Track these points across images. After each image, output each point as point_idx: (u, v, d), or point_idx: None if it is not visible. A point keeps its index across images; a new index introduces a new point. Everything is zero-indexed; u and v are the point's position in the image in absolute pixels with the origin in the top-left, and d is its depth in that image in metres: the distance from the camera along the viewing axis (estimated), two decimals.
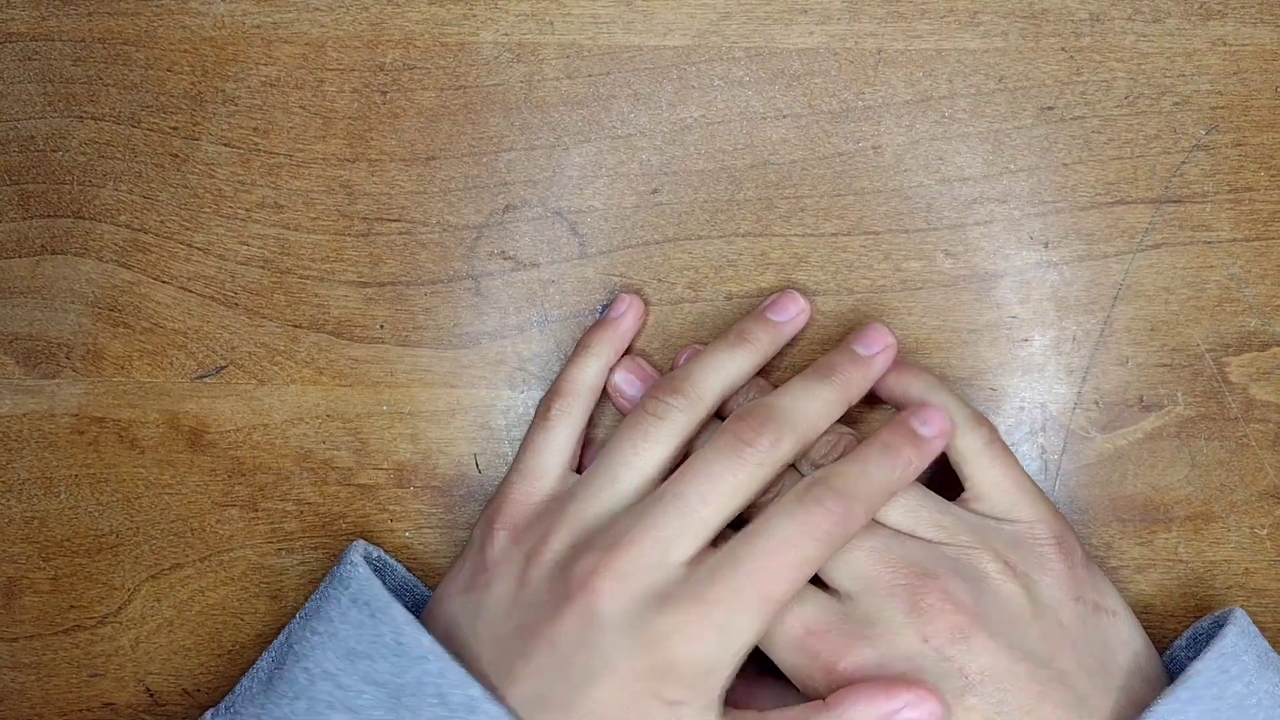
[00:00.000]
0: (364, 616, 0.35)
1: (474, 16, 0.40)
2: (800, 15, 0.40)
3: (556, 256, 0.40)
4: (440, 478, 0.40)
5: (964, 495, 0.37)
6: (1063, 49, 0.39)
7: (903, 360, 0.39)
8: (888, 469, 0.34)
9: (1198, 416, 0.40)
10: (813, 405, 0.35)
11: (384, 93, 0.40)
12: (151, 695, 0.41)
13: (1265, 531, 0.40)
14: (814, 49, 0.40)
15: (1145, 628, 0.36)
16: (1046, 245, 0.40)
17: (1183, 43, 0.39)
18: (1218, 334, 0.40)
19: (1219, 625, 0.36)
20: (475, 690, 0.32)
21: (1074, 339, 0.40)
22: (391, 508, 0.41)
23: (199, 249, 0.41)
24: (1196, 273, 0.40)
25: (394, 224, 0.40)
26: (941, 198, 0.40)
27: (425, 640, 0.33)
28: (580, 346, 0.39)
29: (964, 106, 0.39)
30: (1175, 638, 0.38)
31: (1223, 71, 0.39)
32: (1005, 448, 0.37)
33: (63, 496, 0.41)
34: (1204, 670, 0.33)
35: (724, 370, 0.37)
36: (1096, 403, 0.40)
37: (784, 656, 0.35)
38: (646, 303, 0.40)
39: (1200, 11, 0.39)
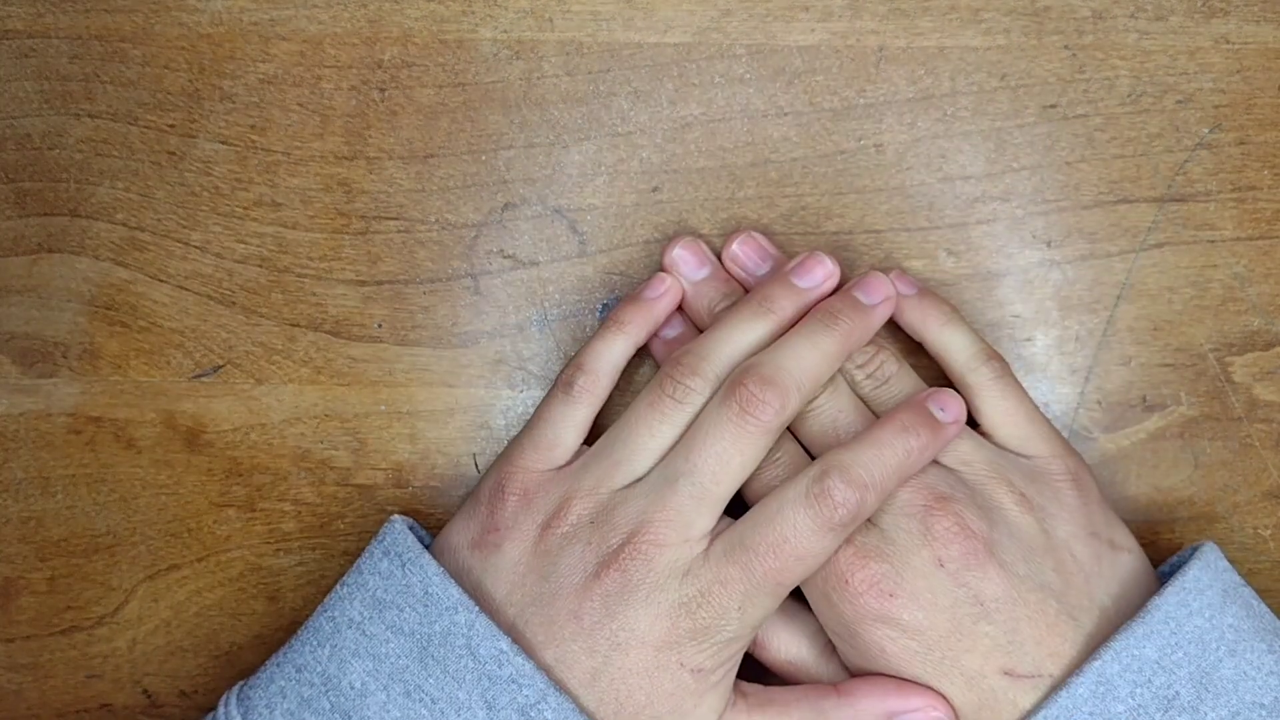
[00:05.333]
0: (394, 567, 0.35)
1: (473, 13, 0.40)
2: (801, 12, 0.39)
3: (556, 255, 0.40)
4: (439, 478, 0.40)
5: (980, 429, 0.37)
6: (1065, 47, 0.39)
7: (924, 289, 0.39)
8: (902, 453, 0.34)
9: (1201, 416, 0.40)
10: (814, 358, 0.35)
11: (382, 90, 0.40)
12: (149, 696, 0.41)
13: (1269, 532, 0.40)
14: (815, 46, 0.39)
15: None
16: (1049, 244, 0.40)
17: (1186, 41, 0.39)
18: (1221, 333, 0.40)
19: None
20: (504, 644, 0.33)
21: (1077, 338, 0.40)
22: (390, 508, 0.40)
23: (196, 247, 0.41)
24: (1200, 272, 0.40)
25: (392, 222, 0.40)
26: (943, 196, 0.39)
27: (454, 591, 0.34)
28: (611, 321, 0.38)
29: (966, 104, 0.39)
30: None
31: (1226, 70, 0.39)
32: (1017, 383, 0.37)
33: (59, 496, 0.41)
34: (1162, 605, 0.33)
35: (743, 343, 0.36)
36: (1099, 402, 0.40)
37: None
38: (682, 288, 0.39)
39: (1203, 9, 0.39)
